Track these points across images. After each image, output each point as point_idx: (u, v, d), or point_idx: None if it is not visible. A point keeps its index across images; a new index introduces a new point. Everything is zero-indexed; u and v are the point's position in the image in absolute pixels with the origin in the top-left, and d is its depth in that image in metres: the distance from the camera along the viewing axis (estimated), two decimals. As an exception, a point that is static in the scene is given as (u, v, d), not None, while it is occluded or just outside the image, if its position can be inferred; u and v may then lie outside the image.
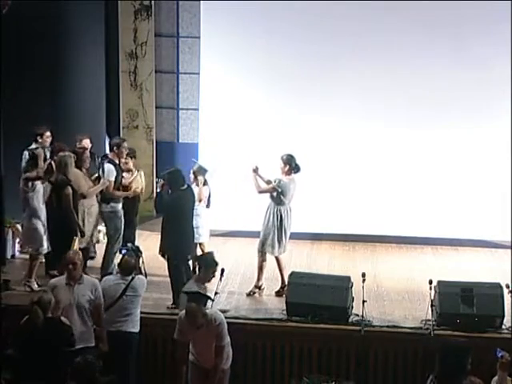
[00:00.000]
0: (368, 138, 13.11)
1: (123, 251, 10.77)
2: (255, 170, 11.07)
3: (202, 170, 11.38)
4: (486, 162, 12.98)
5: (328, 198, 12.96)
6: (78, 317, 8.85)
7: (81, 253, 9.67)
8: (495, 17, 12.63)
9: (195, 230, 11.26)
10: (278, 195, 10.87)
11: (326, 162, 13.07)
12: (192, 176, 11.37)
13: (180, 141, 14.44)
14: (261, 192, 11.01)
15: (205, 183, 11.39)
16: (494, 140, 12.89)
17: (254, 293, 11.02)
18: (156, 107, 14.20)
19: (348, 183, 13.20)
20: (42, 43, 12.57)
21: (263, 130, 13.21)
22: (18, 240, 11.91)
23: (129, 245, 10.82)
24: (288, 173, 10.92)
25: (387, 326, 10.05)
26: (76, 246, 10.38)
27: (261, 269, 11.04)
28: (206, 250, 11.38)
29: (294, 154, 11.03)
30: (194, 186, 11.31)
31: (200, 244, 11.48)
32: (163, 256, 10.51)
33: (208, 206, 11.45)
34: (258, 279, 11.06)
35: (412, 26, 12.77)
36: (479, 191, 13.02)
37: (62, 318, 8.51)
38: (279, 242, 10.92)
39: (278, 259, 11.03)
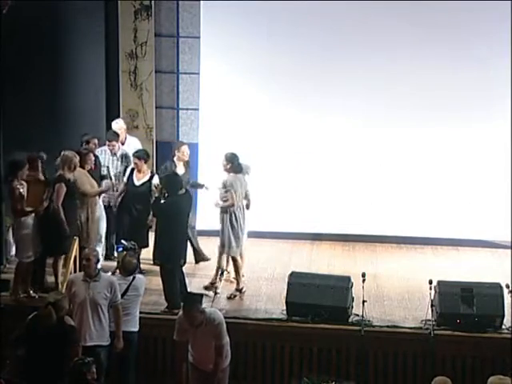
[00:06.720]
0: (368, 138, 13.09)
1: (119, 248, 10.73)
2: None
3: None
4: (486, 162, 12.95)
5: (328, 198, 12.95)
6: (93, 314, 8.91)
7: (98, 250, 9.72)
8: (495, 17, 12.63)
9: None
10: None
11: (326, 161, 13.05)
12: None
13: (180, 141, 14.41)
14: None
15: None
16: (494, 140, 12.88)
17: (235, 296, 10.87)
18: (156, 107, 14.17)
19: (348, 183, 13.17)
20: (42, 43, 12.55)
21: (263, 129, 13.19)
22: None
23: (124, 242, 10.75)
24: (230, 170, 10.85)
25: (387, 326, 10.07)
26: (76, 245, 10.37)
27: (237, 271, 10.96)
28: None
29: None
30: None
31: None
32: (155, 263, 10.32)
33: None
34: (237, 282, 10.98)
35: (412, 26, 12.74)
36: (479, 191, 13.01)
37: (65, 317, 8.52)
38: (236, 241, 10.80)
39: (234, 260, 10.88)
